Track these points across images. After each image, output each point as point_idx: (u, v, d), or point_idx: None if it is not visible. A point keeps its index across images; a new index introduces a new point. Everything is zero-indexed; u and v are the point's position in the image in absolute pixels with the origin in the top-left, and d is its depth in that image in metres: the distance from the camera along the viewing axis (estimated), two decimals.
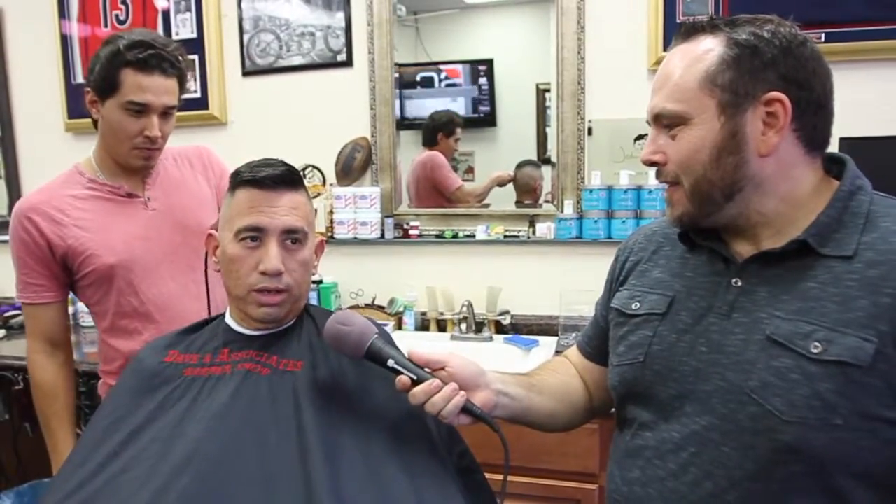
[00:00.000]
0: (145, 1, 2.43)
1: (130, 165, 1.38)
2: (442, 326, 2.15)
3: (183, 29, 2.40)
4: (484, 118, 2.27)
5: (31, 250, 1.33)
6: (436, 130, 2.29)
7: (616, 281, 0.98)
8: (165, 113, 1.33)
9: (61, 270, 1.35)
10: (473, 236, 2.15)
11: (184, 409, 0.90)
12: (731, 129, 0.77)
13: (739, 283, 0.81)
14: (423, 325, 2.17)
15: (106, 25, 2.49)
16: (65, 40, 2.53)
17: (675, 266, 0.90)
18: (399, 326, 2.16)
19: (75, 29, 2.53)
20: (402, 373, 0.84)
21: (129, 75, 1.27)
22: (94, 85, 1.31)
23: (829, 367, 0.71)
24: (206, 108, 2.38)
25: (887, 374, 0.69)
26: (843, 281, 0.74)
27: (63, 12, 2.52)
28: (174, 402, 0.91)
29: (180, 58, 1.35)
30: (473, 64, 2.24)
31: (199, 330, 1.05)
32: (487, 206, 2.24)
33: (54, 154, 2.61)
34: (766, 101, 0.76)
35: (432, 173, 2.30)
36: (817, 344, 0.72)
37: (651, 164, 0.84)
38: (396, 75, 2.21)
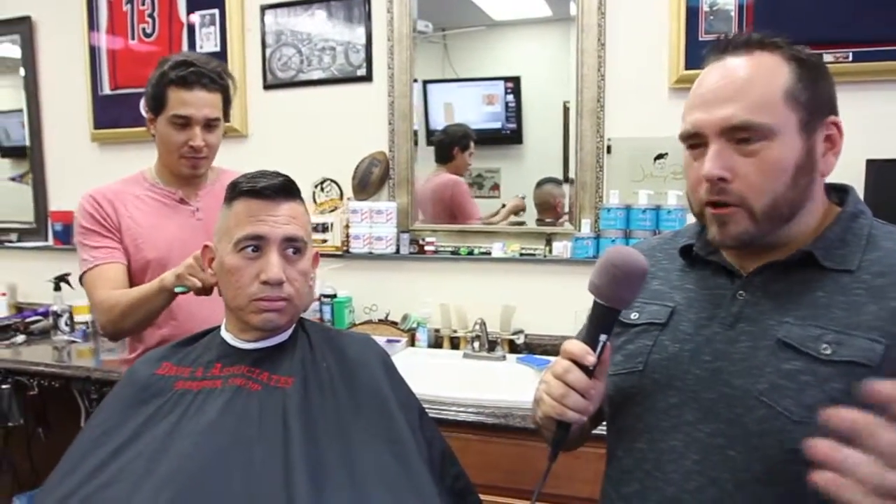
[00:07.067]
0: (171, 15, 2.47)
1: (181, 174, 1.50)
2: (455, 344, 2.13)
3: (207, 42, 2.43)
4: (510, 135, 2.25)
5: (100, 221, 1.44)
6: (451, 146, 2.26)
7: None
8: (209, 125, 1.45)
9: (121, 243, 1.45)
10: (489, 254, 2.13)
11: (172, 424, 0.89)
12: (809, 147, 0.76)
13: (744, 295, 0.81)
14: (436, 342, 2.16)
15: (133, 38, 2.53)
16: (93, 52, 2.59)
17: (673, 279, 0.89)
18: (412, 343, 2.14)
19: (104, 41, 2.58)
20: (596, 352, 0.75)
21: (173, 92, 1.41)
22: (148, 105, 1.46)
23: (840, 367, 0.71)
24: (228, 120, 2.40)
25: None
26: (850, 290, 0.75)
27: (92, 24, 2.58)
28: (163, 417, 0.91)
29: (223, 74, 1.48)
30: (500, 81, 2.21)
31: (193, 343, 1.05)
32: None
33: (80, 164, 2.66)
34: (828, 123, 0.77)
35: (452, 200, 2.27)
36: (826, 346, 0.72)
37: (718, 180, 0.76)
38: (422, 91, 2.20)
